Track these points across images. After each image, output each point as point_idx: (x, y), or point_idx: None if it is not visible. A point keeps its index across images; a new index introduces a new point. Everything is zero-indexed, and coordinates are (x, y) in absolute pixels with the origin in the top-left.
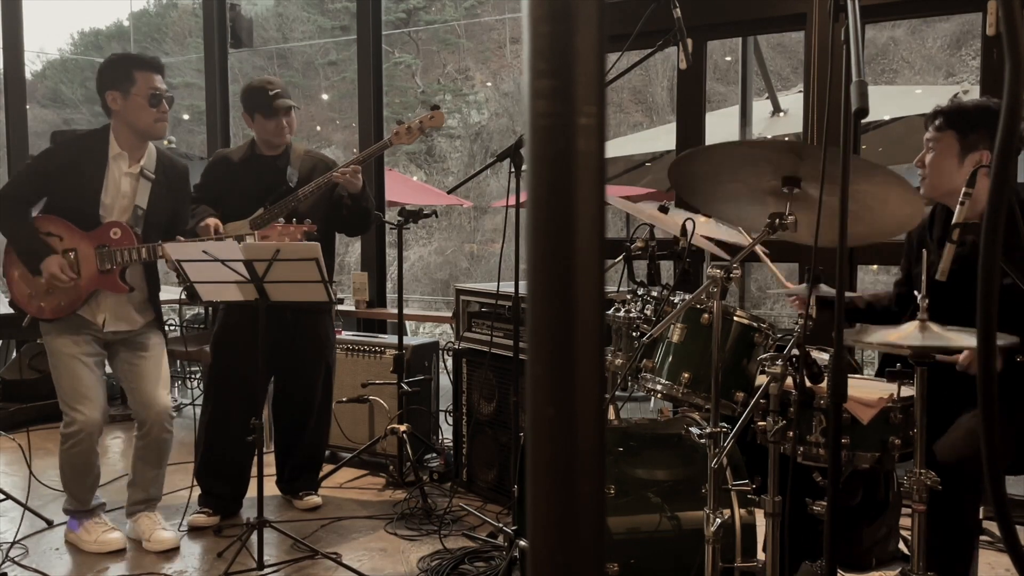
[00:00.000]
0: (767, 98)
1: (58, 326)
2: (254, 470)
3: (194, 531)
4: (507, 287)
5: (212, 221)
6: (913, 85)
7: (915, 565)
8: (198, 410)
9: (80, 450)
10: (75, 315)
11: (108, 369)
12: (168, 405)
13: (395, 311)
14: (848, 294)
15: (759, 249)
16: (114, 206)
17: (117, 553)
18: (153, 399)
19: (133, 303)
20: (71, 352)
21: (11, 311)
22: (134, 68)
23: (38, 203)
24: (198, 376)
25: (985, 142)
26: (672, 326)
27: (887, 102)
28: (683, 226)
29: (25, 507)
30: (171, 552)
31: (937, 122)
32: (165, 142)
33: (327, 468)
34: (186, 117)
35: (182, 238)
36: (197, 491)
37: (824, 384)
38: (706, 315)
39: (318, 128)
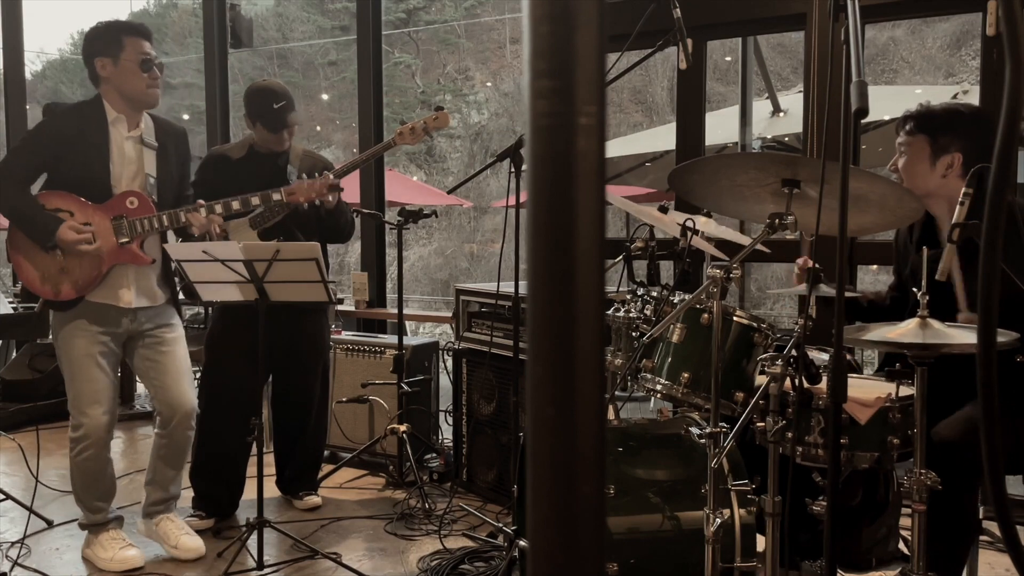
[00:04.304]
0: (767, 98)
1: (74, 317)
2: (250, 471)
3: None
4: (507, 287)
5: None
6: (913, 85)
7: (915, 565)
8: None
9: (89, 456)
10: (94, 303)
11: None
12: (194, 403)
13: (395, 311)
14: (850, 293)
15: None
16: (123, 174)
17: (135, 571)
18: (179, 397)
19: (155, 275)
20: (87, 352)
21: (11, 311)
22: (123, 34)
23: (36, 180)
24: (197, 377)
25: (956, 144)
26: (672, 326)
27: (887, 102)
28: (683, 226)
29: (27, 508)
30: (196, 561)
31: (908, 126)
32: None
33: (327, 468)
34: (186, 117)
35: (203, 201)
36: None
37: (823, 385)
38: (706, 315)
39: (318, 128)
